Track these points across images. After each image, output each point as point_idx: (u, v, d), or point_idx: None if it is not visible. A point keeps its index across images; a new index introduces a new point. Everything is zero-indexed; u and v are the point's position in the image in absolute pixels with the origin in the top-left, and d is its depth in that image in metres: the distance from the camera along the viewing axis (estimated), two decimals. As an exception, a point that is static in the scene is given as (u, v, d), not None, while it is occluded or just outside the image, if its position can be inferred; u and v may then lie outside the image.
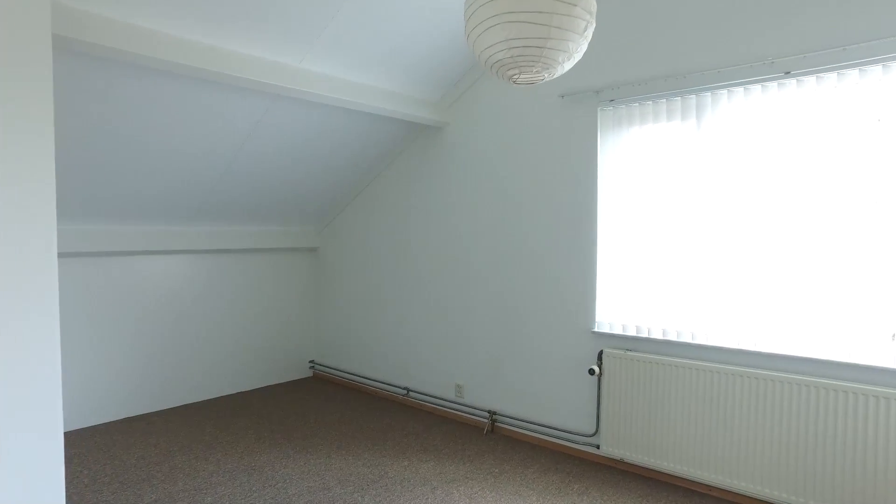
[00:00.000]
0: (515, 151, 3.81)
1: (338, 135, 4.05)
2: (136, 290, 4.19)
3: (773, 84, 2.73)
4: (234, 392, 4.83)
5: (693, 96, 3.00)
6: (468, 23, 1.70)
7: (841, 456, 2.55)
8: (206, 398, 4.64)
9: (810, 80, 2.63)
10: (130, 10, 2.57)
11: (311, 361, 5.42)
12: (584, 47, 1.72)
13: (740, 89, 2.83)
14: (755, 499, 2.84)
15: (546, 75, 1.76)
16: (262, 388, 5.00)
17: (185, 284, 4.46)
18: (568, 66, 1.74)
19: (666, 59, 3.11)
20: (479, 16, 1.64)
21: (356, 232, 4.99)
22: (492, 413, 3.97)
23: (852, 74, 2.52)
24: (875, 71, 2.47)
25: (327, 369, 5.30)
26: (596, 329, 3.43)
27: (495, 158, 3.93)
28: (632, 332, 3.28)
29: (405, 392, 4.58)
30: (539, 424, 3.73)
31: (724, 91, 2.88)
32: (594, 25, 1.70)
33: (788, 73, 2.66)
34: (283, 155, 4.01)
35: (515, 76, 1.76)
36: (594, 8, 1.67)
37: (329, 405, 4.54)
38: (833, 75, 2.56)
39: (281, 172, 4.20)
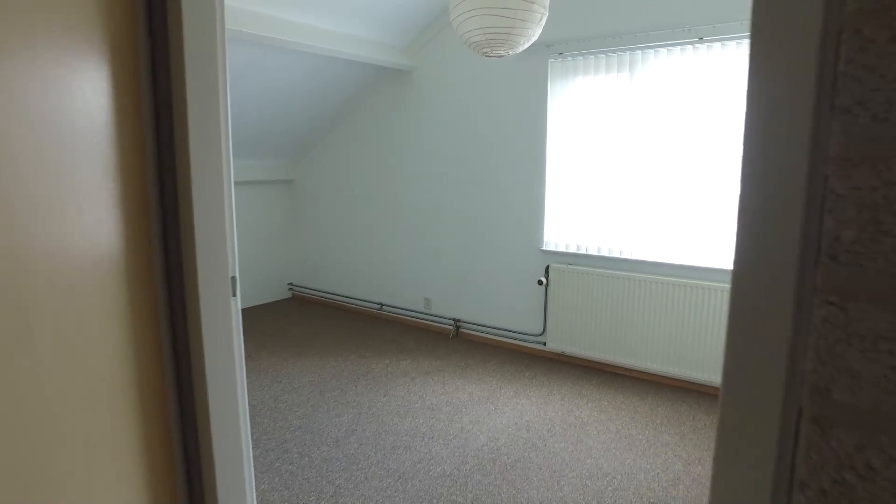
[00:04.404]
0: (477, 94, 4.33)
1: (315, 78, 4.44)
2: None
3: (690, 47, 3.34)
4: (224, 311, 5.36)
5: (627, 53, 3.57)
6: (453, 11, 2.20)
7: (713, 339, 3.40)
8: (199, 317, 5.15)
9: (717, 46, 3.25)
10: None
11: (290, 284, 5.98)
12: (539, 31, 2.26)
13: (664, 50, 3.43)
14: (661, 375, 3.70)
15: (511, 52, 2.30)
16: (245, 308, 5.55)
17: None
18: (527, 45, 2.29)
19: (606, 20, 3.65)
20: (461, 8, 2.15)
21: (331, 164, 5.45)
22: (456, 321, 4.70)
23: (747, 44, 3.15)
24: (765, 39, 3.11)
25: (305, 290, 5.88)
26: (544, 248, 4.13)
27: (459, 100, 4.44)
28: (573, 250, 4.00)
29: (379, 307, 5.24)
30: (496, 328, 4.49)
31: (652, 51, 3.47)
32: (547, 14, 2.24)
33: (701, 38, 3.27)
34: (263, 98, 4.38)
35: (487, 52, 2.30)
36: (547, 2, 2.20)
37: (311, 321, 5.16)
38: (733, 44, 3.19)
39: (260, 113, 4.58)
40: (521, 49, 2.30)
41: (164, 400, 1.11)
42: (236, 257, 1.22)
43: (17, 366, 0.81)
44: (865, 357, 0.43)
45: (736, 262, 0.50)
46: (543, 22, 2.24)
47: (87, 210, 0.92)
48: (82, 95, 0.91)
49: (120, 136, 0.99)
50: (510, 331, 4.41)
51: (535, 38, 2.28)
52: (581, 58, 3.76)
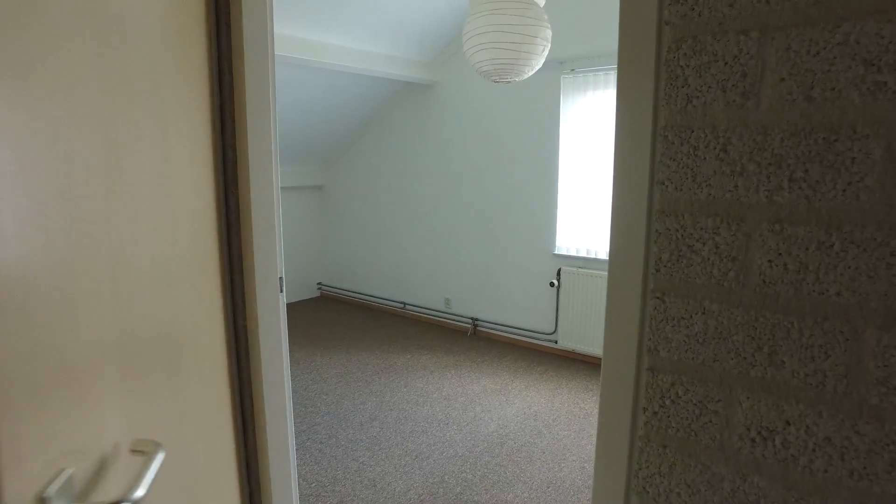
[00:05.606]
0: (494, 106, 4.62)
1: (345, 93, 4.78)
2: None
3: (691, 65, 3.58)
4: (258, 308, 5.75)
5: (633, 70, 3.82)
6: (466, 43, 2.50)
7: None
8: (235, 313, 5.55)
9: (716, 65, 3.48)
10: None
11: (319, 283, 6.35)
12: (542, 61, 2.55)
13: (667, 68, 3.67)
14: (665, 372, 3.93)
15: (516, 79, 2.59)
16: (280, 304, 5.92)
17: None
18: (531, 73, 2.58)
19: (615, 39, 3.89)
20: (473, 41, 2.45)
21: (359, 171, 5.79)
22: (474, 319, 5.00)
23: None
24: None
25: (333, 289, 6.24)
26: (556, 251, 4.40)
27: (478, 112, 4.73)
28: (583, 254, 4.26)
29: (402, 306, 5.57)
30: (511, 327, 4.77)
31: (656, 68, 3.71)
32: (549, 46, 2.52)
33: (701, 58, 3.50)
34: (296, 111, 4.75)
35: (496, 79, 2.59)
36: (550, 36, 2.48)
37: (339, 318, 5.51)
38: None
39: (293, 125, 4.94)
40: (525, 77, 2.59)
41: (230, 366, 1.44)
42: (283, 262, 1.54)
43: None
44: (673, 329, 0.72)
45: (610, 274, 0.79)
46: (546, 53, 2.52)
47: (196, 222, 1.27)
48: (185, 143, 1.25)
49: (206, 174, 1.33)
50: (524, 329, 4.68)
51: (538, 67, 2.57)
52: (591, 74, 4.02)
